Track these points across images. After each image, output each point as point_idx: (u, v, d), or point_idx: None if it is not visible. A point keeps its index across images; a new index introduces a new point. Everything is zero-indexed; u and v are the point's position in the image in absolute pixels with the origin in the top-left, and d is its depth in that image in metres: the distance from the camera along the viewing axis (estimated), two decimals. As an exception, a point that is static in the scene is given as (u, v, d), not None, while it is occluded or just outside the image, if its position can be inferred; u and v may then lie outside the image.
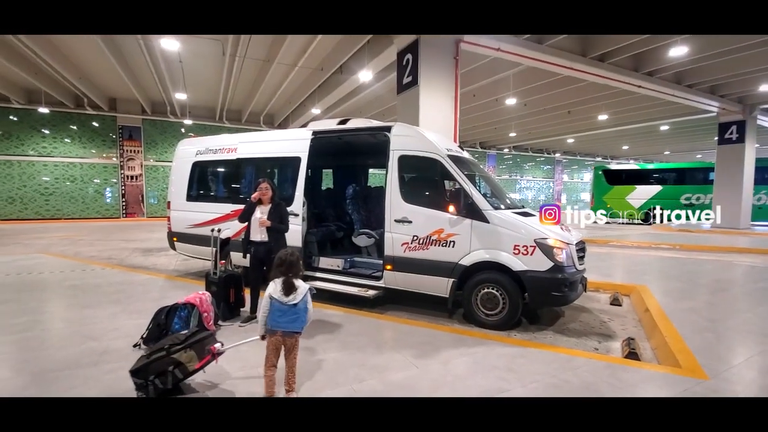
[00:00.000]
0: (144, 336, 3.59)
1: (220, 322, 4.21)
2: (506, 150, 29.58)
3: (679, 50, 10.24)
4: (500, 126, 21.31)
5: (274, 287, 2.67)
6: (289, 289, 2.66)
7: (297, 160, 5.44)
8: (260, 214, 4.21)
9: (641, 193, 19.08)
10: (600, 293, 6.04)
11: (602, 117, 17.55)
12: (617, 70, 11.08)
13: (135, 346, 3.57)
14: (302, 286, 2.74)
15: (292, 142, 5.64)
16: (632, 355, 3.68)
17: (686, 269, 7.92)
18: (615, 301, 5.58)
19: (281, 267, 2.72)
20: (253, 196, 4.26)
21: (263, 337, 2.70)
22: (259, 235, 4.22)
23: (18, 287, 5.82)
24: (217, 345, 2.90)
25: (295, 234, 5.25)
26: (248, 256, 4.38)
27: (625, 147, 29.65)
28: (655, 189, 18.86)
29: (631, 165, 21.47)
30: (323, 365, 3.29)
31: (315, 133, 5.49)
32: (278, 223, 4.23)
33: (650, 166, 20.89)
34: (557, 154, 32.41)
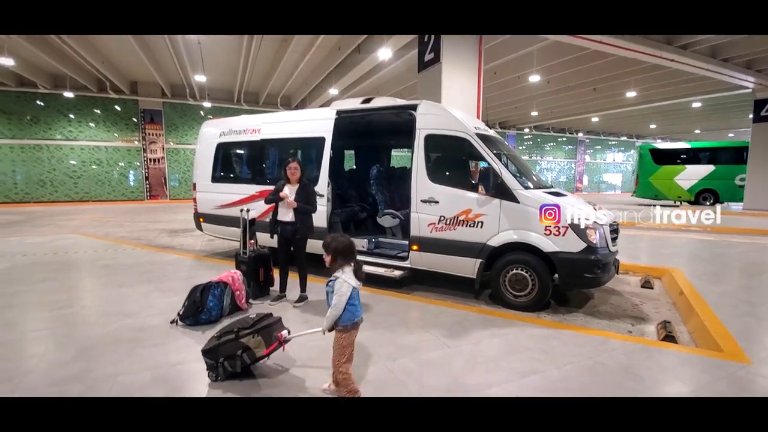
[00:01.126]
0: (180, 313, 3.68)
1: (251, 301, 4.29)
2: (527, 130, 28.84)
3: (718, 20, 9.65)
4: (521, 105, 20.73)
5: (351, 277, 2.40)
6: (361, 274, 2.46)
7: (321, 140, 5.40)
8: (288, 194, 4.20)
9: (692, 174, 17.60)
10: (630, 276, 5.90)
11: (630, 94, 16.83)
12: (649, 43, 10.52)
13: (172, 322, 3.67)
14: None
15: (316, 122, 5.59)
16: (669, 338, 3.59)
17: (718, 252, 7.64)
18: (646, 284, 5.44)
19: (352, 254, 2.44)
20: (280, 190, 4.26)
21: (328, 331, 2.44)
22: (286, 215, 4.23)
23: (55, 266, 6.05)
24: (284, 332, 2.86)
25: (320, 214, 5.23)
26: (275, 236, 4.40)
27: (653, 126, 28.51)
28: (707, 169, 17.36)
29: (681, 144, 19.62)
30: (355, 344, 3.31)
31: (339, 112, 5.42)
32: (305, 203, 4.22)
33: (703, 145, 18.98)
34: (580, 134, 31.44)
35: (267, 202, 4.36)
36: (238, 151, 6.76)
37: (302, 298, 4.32)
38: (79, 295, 4.72)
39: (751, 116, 15.57)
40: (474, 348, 3.28)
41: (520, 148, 29.50)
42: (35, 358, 3.03)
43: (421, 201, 4.75)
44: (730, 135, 30.39)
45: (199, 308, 3.60)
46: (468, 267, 4.55)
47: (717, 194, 16.92)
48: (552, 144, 31.04)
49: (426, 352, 3.18)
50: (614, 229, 4.51)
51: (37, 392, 2.57)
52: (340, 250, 2.41)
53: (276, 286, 4.56)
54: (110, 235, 9.14)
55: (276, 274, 4.63)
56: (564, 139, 31.16)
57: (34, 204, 17.41)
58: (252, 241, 4.77)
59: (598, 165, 33.91)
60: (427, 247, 4.76)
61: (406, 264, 4.97)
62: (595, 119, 25.02)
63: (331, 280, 2.42)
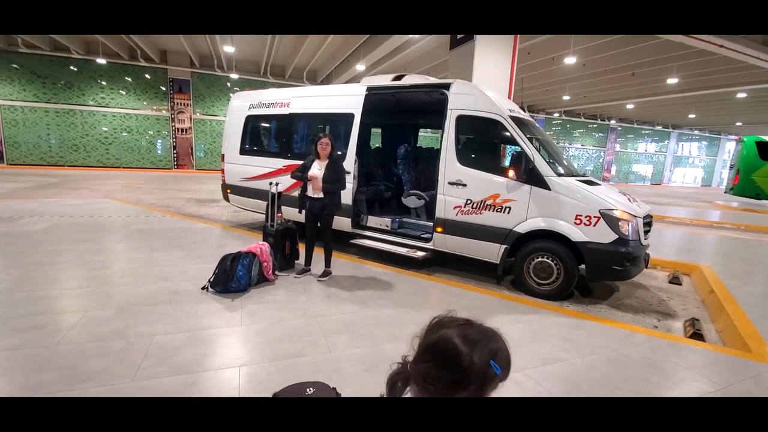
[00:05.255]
0: (211, 280, 3.82)
1: (276, 272, 4.41)
2: (556, 114, 27.87)
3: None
4: (554, 88, 19.95)
5: None
6: None
7: (350, 116, 5.37)
8: (318, 169, 4.23)
9: None
10: (658, 271, 5.76)
11: (671, 80, 15.95)
12: (699, 26, 9.85)
13: (203, 288, 3.82)
14: None
15: (345, 98, 5.55)
16: (697, 335, 3.52)
17: (754, 251, 7.34)
18: (674, 280, 5.30)
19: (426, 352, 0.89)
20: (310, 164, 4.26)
21: None
22: (314, 190, 4.26)
23: (92, 228, 6.32)
24: None
25: (345, 192, 5.28)
26: (303, 211, 4.46)
27: (692, 115, 27.06)
28: None
29: None
30: (380, 321, 3.39)
31: (369, 89, 5.36)
32: (335, 179, 4.24)
33: None
34: (612, 121, 30.18)
35: (293, 177, 4.41)
36: (267, 125, 6.80)
37: (326, 273, 4.41)
38: (116, 256, 4.94)
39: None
40: (496, 332, 3.29)
41: (548, 133, 28.59)
42: (78, 314, 3.22)
43: (449, 183, 4.71)
44: (775, 129, 28.64)
45: (229, 277, 3.73)
46: (492, 252, 4.53)
47: None
48: (581, 130, 29.94)
49: (449, 332, 3.22)
50: (647, 222, 4.38)
51: (82, 346, 2.74)
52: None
53: (301, 260, 4.66)
54: (141, 202, 9.46)
55: (302, 248, 4.72)
56: (595, 125, 29.99)
57: (68, 168, 18.08)
58: (279, 214, 4.86)
59: (629, 154, 32.61)
60: (451, 229, 4.76)
61: (429, 245, 4.99)
62: (630, 106, 23.89)
63: None
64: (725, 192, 18.09)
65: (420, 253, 5.02)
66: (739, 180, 16.81)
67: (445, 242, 4.86)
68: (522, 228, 4.31)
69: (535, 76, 17.23)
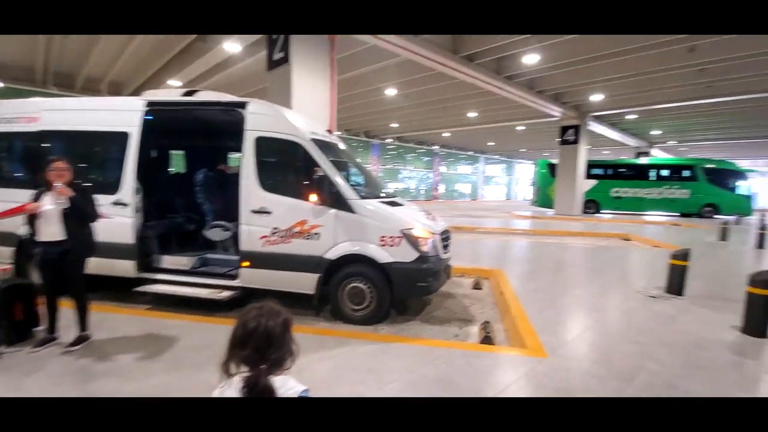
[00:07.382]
0: None
1: (2, 349, 3.09)
2: (389, 140, 30.50)
3: (531, 58, 11.52)
4: (383, 116, 21.72)
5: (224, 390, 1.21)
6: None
7: (123, 136, 4.35)
8: (53, 204, 3.15)
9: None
10: (464, 278, 6.37)
11: (471, 114, 19.17)
12: (482, 70, 11.97)
13: None
14: (291, 391, 1.23)
15: (116, 113, 4.49)
16: (487, 339, 3.82)
17: (535, 252, 9.01)
18: (477, 285, 5.91)
19: (249, 343, 1.19)
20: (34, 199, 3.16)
21: None
22: (49, 232, 3.15)
23: None
24: None
25: (122, 228, 4.25)
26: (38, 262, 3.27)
27: (491, 143, 33.30)
28: (591, 183, 20.46)
29: None
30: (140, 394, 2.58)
31: (151, 104, 4.47)
32: (82, 213, 3.22)
33: (588, 162, 20.65)
34: (435, 147, 34.76)
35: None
36: (10, 145, 5.06)
37: (81, 339, 3.28)
38: None
39: (558, 139, 19.29)
40: (297, 377, 2.88)
41: (385, 157, 31.06)
42: None
43: (252, 211, 4.21)
44: (546, 154, 37.60)
45: None
46: (306, 283, 4.18)
47: (598, 204, 20.49)
48: (413, 155, 33.57)
49: (233, 394, 2.65)
50: (446, 237, 4.71)
51: None
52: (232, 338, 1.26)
53: (43, 326, 3.39)
54: None
55: (43, 308, 3.45)
56: (423, 150, 34.03)
57: None
58: (6, 267, 3.49)
59: (451, 176, 38.07)
60: (259, 262, 4.24)
61: (236, 283, 4.34)
62: (446, 134, 27.92)
63: None
64: (531, 204, 23.28)
65: (226, 293, 4.32)
66: (540, 194, 21.86)
67: (253, 277, 4.29)
68: (332, 254, 4.10)
69: (365, 104, 18.38)
